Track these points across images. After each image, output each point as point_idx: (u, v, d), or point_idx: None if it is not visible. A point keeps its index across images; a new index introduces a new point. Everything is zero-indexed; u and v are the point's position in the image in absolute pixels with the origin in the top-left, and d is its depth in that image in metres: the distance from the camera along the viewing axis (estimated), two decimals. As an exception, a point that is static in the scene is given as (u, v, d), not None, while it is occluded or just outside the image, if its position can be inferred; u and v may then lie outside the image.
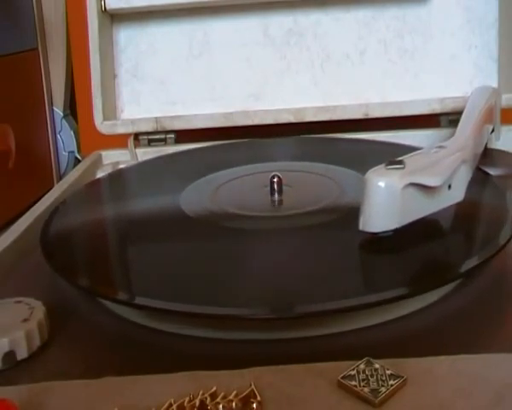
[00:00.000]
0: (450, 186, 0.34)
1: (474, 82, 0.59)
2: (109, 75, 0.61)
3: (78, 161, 0.76)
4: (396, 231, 0.31)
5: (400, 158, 0.33)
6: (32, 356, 0.27)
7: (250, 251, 0.35)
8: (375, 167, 0.32)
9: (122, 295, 0.30)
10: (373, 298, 0.27)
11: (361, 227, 0.32)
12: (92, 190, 0.49)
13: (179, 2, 0.58)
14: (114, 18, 0.61)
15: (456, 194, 0.34)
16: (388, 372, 0.23)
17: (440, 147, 0.35)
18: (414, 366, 0.23)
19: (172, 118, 0.60)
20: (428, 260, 0.32)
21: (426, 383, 0.22)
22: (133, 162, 0.58)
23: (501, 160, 0.49)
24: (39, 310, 0.28)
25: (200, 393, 0.22)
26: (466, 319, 0.28)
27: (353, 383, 0.22)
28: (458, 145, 0.36)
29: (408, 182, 0.31)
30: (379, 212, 0.31)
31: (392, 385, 0.22)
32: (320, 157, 0.49)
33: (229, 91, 0.61)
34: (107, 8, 0.58)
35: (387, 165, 0.32)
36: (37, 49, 0.72)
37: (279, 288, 0.30)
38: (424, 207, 0.33)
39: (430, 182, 0.32)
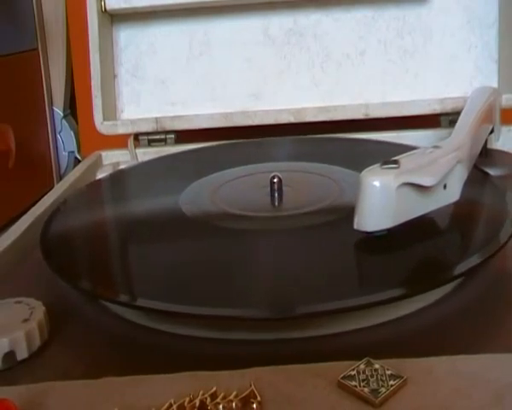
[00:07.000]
0: (445, 186, 0.34)
1: (474, 82, 0.59)
2: (109, 75, 0.61)
3: (78, 161, 0.76)
4: (395, 230, 0.31)
5: (395, 158, 0.33)
6: (32, 356, 0.27)
7: (250, 251, 0.35)
8: (370, 167, 0.32)
9: (122, 297, 0.30)
10: (372, 298, 0.27)
11: (356, 226, 0.32)
12: (92, 190, 0.49)
13: (179, 3, 0.58)
14: (114, 18, 0.61)
15: (452, 194, 0.34)
16: (388, 372, 0.23)
17: (436, 147, 0.35)
18: (414, 366, 0.23)
19: (172, 118, 0.60)
20: (427, 259, 0.32)
21: (426, 383, 0.22)
22: (133, 163, 0.58)
23: (501, 160, 0.49)
24: (39, 310, 0.28)
25: (201, 393, 0.22)
26: (466, 319, 0.28)
27: (353, 383, 0.22)
28: (454, 145, 0.36)
29: (402, 181, 0.31)
30: (373, 211, 0.31)
31: (392, 385, 0.22)
32: (320, 157, 0.49)
33: (229, 91, 0.61)
34: (107, 8, 0.58)
35: (382, 164, 0.32)
36: (37, 49, 0.72)
37: (279, 288, 0.30)
38: (419, 207, 0.33)
39: (425, 182, 0.32)
